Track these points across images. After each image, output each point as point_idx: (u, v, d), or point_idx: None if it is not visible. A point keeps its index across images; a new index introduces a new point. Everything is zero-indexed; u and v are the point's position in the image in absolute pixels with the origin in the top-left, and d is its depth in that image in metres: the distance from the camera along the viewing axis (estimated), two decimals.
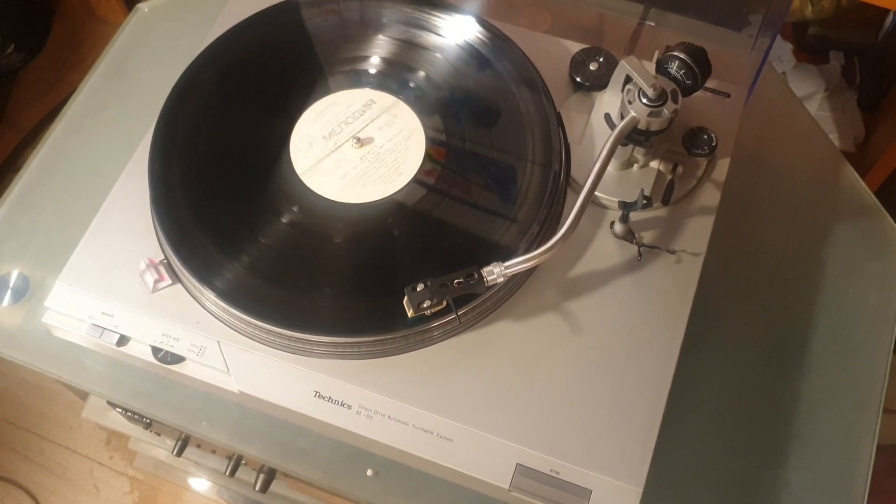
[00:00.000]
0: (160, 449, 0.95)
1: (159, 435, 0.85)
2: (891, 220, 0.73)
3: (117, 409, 0.76)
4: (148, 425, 0.79)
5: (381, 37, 0.69)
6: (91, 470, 1.35)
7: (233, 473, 0.79)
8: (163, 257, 0.60)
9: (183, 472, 1.10)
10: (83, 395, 0.86)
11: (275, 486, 0.83)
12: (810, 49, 1.41)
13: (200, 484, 1.18)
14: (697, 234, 0.62)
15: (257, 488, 0.78)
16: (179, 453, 0.78)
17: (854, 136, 1.34)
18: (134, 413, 0.72)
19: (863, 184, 0.75)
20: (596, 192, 0.62)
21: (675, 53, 0.60)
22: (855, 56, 1.40)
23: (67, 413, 1.37)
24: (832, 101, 1.36)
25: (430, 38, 0.68)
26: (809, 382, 0.66)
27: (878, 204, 0.74)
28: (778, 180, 0.76)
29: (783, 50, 1.41)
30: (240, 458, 0.80)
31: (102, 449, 1.36)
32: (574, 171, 0.64)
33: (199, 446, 0.82)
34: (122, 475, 1.34)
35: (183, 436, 0.79)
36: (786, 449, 0.63)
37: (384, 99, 0.66)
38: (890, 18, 1.34)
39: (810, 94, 1.36)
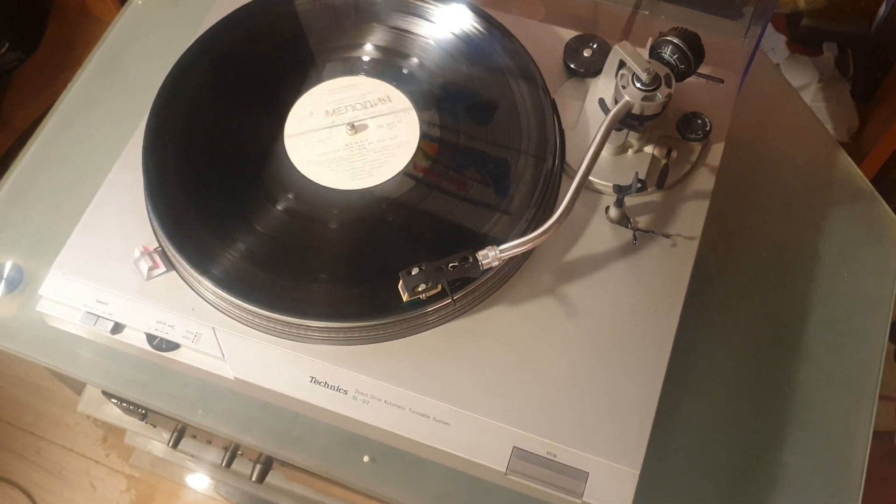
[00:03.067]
0: (156, 442, 0.95)
1: (155, 427, 0.85)
2: (886, 206, 0.74)
3: (113, 401, 0.76)
4: (143, 416, 0.79)
5: (375, 25, 0.69)
6: (87, 468, 1.34)
7: (229, 465, 0.79)
8: (157, 245, 0.60)
9: (180, 468, 1.10)
10: (78, 388, 0.86)
11: (272, 478, 0.83)
12: (804, 40, 1.41)
13: (197, 480, 1.18)
14: (692, 218, 0.62)
15: (254, 479, 0.77)
16: (175, 445, 0.78)
17: (848, 126, 1.35)
18: (129, 403, 0.72)
19: (858, 170, 0.76)
20: (591, 178, 0.62)
21: (669, 38, 0.60)
22: (848, 47, 1.40)
23: (63, 411, 1.37)
24: (826, 92, 1.36)
25: (424, 27, 0.68)
26: (805, 368, 0.66)
27: (873, 190, 0.74)
28: (773, 168, 0.76)
29: (777, 42, 1.41)
30: (236, 448, 0.80)
31: (99, 447, 1.35)
32: (569, 157, 0.64)
33: (194, 437, 0.82)
34: (118, 473, 1.34)
35: (179, 426, 0.78)
36: (783, 434, 0.64)
37: (378, 86, 0.66)
38: (883, 9, 1.34)
39: (804, 85, 1.37)
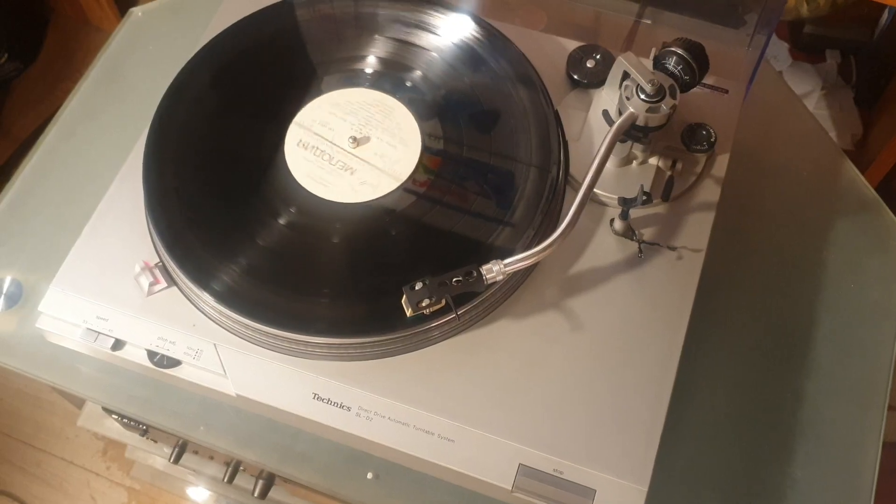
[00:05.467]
0: (157, 457, 0.94)
1: (156, 442, 0.84)
2: (891, 215, 0.73)
3: (113, 416, 0.76)
4: (144, 432, 0.78)
5: (376, 36, 0.68)
6: (88, 481, 1.33)
7: (231, 480, 0.78)
8: (158, 260, 0.59)
9: (181, 481, 1.09)
10: (79, 403, 0.85)
11: (274, 493, 0.82)
12: (806, 48, 1.41)
13: (199, 493, 1.17)
14: (698, 230, 0.61)
15: (256, 494, 0.77)
16: (177, 460, 0.77)
17: (852, 133, 1.34)
18: (130, 419, 0.72)
19: (862, 179, 0.75)
20: (595, 190, 0.61)
21: (673, 49, 0.60)
22: (851, 54, 1.40)
23: (64, 424, 1.36)
24: (829, 100, 1.36)
25: (427, 38, 0.68)
26: (813, 379, 0.65)
27: (879, 199, 0.74)
28: (778, 177, 0.75)
29: (779, 49, 1.41)
30: (238, 463, 0.79)
31: (99, 460, 1.34)
32: (573, 169, 0.63)
33: (196, 453, 0.81)
34: (119, 486, 1.33)
35: (180, 442, 0.78)
36: (791, 446, 0.63)
37: (380, 98, 0.65)
38: (885, 15, 1.34)
39: (807, 92, 1.36)
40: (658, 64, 0.60)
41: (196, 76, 0.66)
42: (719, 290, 0.67)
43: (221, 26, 0.68)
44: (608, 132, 0.57)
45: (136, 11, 0.82)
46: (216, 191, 0.62)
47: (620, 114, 0.59)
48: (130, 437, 0.84)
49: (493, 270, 0.53)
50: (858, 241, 0.72)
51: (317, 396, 0.56)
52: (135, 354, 0.58)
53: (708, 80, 0.66)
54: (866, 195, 0.74)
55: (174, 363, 0.58)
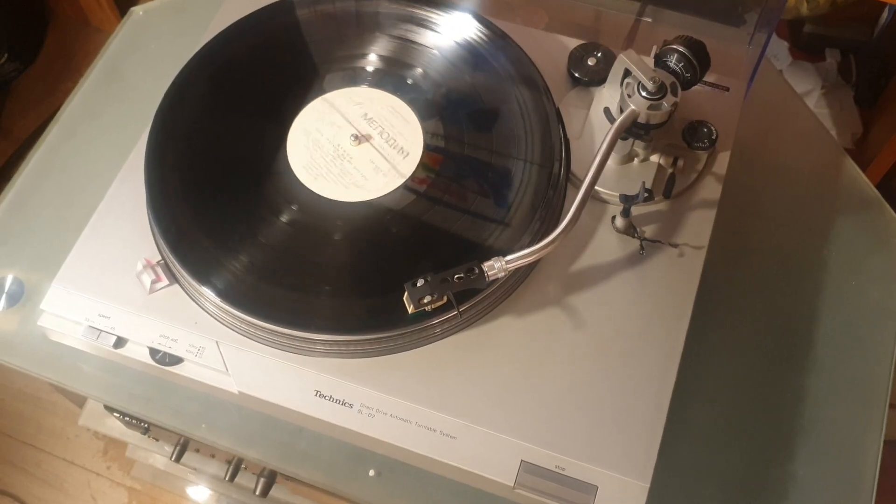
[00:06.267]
0: (158, 456, 0.94)
1: (157, 441, 0.84)
2: (892, 213, 0.73)
3: (115, 415, 0.76)
4: (146, 430, 0.78)
5: (377, 35, 0.68)
6: (88, 481, 1.33)
7: (233, 478, 0.78)
8: (160, 258, 0.59)
9: (182, 481, 1.09)
10: (80, 402, 0.85)
11: (275, 491, 0.82)
12: (806, 47, 1.41)
13: (199, 492, 1.17)
14: (699, 227, 0.61)
15: (258, 493, 0.77)
16: (178, 459, 0.77)
17: (852, 132, 1.35)
18: (132, 417, 0.72)
19: (864, 177, 0.75)
20: (597, 187, 0.62)
21: (674, 46, 0.60)
22: (851, 53, 1.40)
23: (64, 424, 1.36)
24: (829, 99, 1.36)
25: (428, 36, 0.68)
26: (814, 377, 0.65)
27: (880, 197, 0.74)
28: (779, 176, 0.75)
29: (779, 48, 1.41)
30: (240, 461, 0.79)
31: (100, 459, 1.34)
32: (574, 167, 0.63)
33: (198, 451, 0.81)
34: (119, 486, 1.33)
35: (182, 440, 0.78)
36: (792, 445, 0.63)
37: (381, 96, 0.65)
38: (885, 14, 1.34)
39: (807, 91, 1.36)
40: (659, 62, 0.60)
41: (197, 75, 0.66)
42: (719, 288, 0.67)
43: (222, 25, 0.69)
44: (609, 130, 0.57)
45: (137, 10, 0.83)
46: (218, 189, 0.62)
47: (622, 111, 0.59)
48: (132, 436, 0.84)
49: (495, 267, 0.53)
50: (859, 239, 0.72)
51: (319, 393, 0.56)
52: (137, 352, 0.58)
53: (709, 77, 0.66)
54: (867, 193, 0.74)
55: (176, 361, 0.58)
